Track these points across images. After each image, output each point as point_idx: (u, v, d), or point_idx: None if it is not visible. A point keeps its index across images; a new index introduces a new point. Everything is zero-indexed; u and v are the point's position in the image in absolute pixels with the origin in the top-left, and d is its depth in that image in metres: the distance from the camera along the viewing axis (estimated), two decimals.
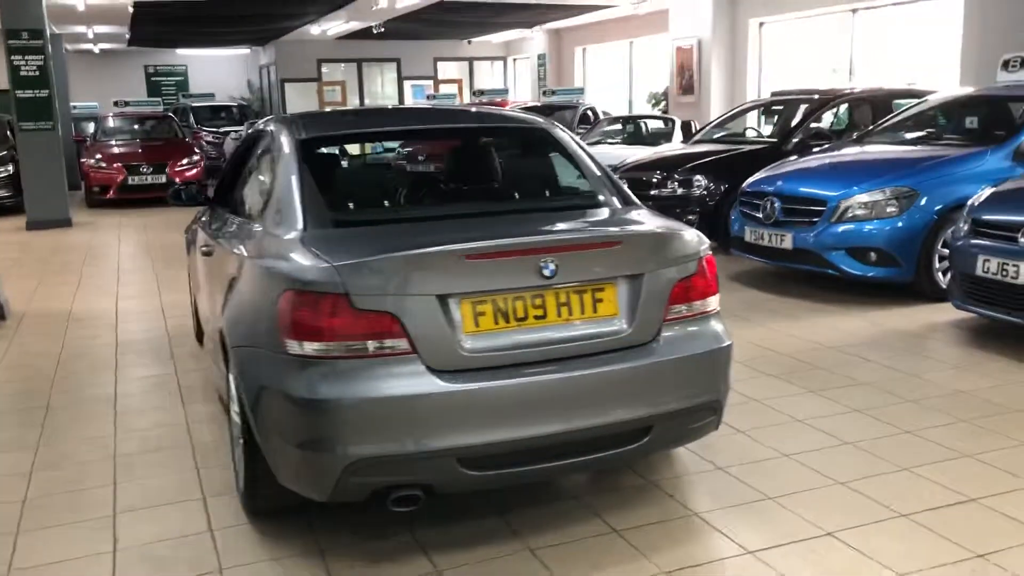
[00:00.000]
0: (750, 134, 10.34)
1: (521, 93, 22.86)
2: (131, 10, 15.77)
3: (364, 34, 21.66)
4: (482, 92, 18.54)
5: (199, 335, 6.01)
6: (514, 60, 25.63)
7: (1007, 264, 5.18)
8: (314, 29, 20.19)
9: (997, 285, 5.25)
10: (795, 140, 9.13)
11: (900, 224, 6.51)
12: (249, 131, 4.76)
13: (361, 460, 2.85)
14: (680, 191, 8.92)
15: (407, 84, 25.15)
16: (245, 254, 3.53)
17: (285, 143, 3.72)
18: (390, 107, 5.93)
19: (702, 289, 3.28)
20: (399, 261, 2.91)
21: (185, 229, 6.22)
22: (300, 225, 3.27)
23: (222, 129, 20.40)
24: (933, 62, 12.83)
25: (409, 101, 24.76)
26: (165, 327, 6.67)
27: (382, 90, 25.46)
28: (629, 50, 19.91)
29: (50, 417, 4.75)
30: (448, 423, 2.86)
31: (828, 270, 6.72)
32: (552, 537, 3.26)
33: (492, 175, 3.99)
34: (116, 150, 15.93)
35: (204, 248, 4.33)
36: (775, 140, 9.45)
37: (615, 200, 3.70)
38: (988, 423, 4.23)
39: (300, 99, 24.09)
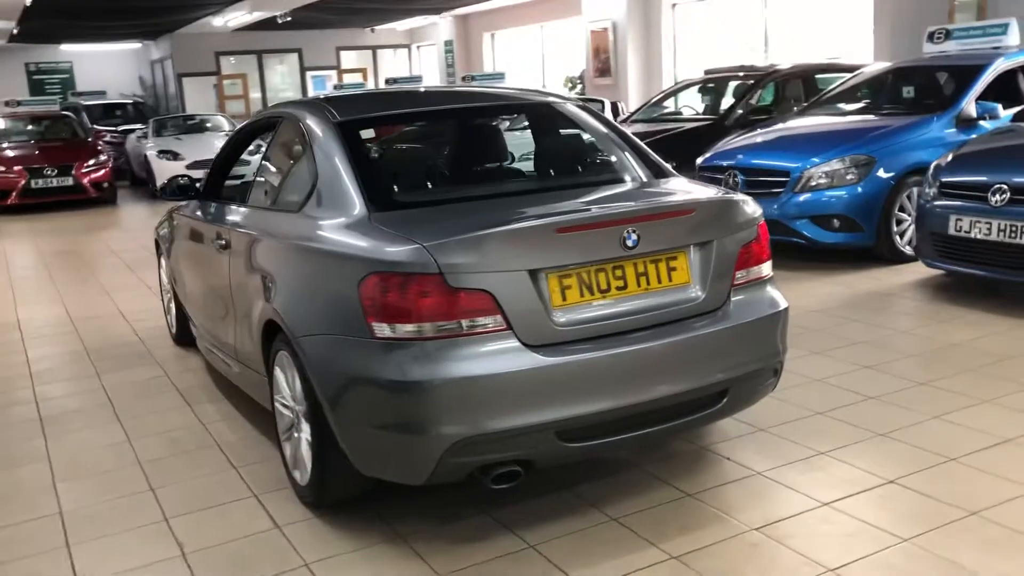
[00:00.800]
0: (687, 112, 10.57)
1: (429, 81, 22.64)
2: (27, 3, 14.91)
3: (264, 25, 21.08)
4: (395, 80, 18.31)
5: (178, 336, 5.80)
6: (418, 47, 25.40)
7: (979, 222, 5.47)
8: (216, 20, 19.51)
9: (970, 243, 5.54)
10: (736, 116, 9.38)
11: (860, 190, 6.79)
12: (250, 120, 4.60)
13: (462, 440, 2.82)
14: None
15: (309, 75, 24.61)
16: (295, 242, 3.42)
17: (319, 127, 3.63)
18: (419, 88, 5.79)
19: (761, 254, 3.37)
20: (493, 238, 2.89)
21: (157, 227, 5.98)
22: (361, 208, 3.20)
23: (120, 128, 19.60)
24: (844, 37, 13.35)
25: (311, 93, 24.25)
26: (133, 331, 6.39)
27: (284, 82, 24.85)
28: (540, 34, 20.00)
29: (48, 427, 4.51)
30: (547, 397, 2.87)
31: (794, 239, 6.95)
32: (630, 505, 3.29)
33: (541, 150, 3.99)
34: (12, 153, 15.07)
35: (219, 242, 4.17)
36: (716, 117, 9.68)
37: (657, 172, 3.75)
38: (992, 371, 4.48)
39: (198, 95, 23.29)
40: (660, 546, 3.01)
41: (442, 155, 3.85)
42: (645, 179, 3.70)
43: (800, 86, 10.06)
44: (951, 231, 5.66)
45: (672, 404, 3.10)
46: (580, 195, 3.44)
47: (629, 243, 2.99)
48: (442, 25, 22.48)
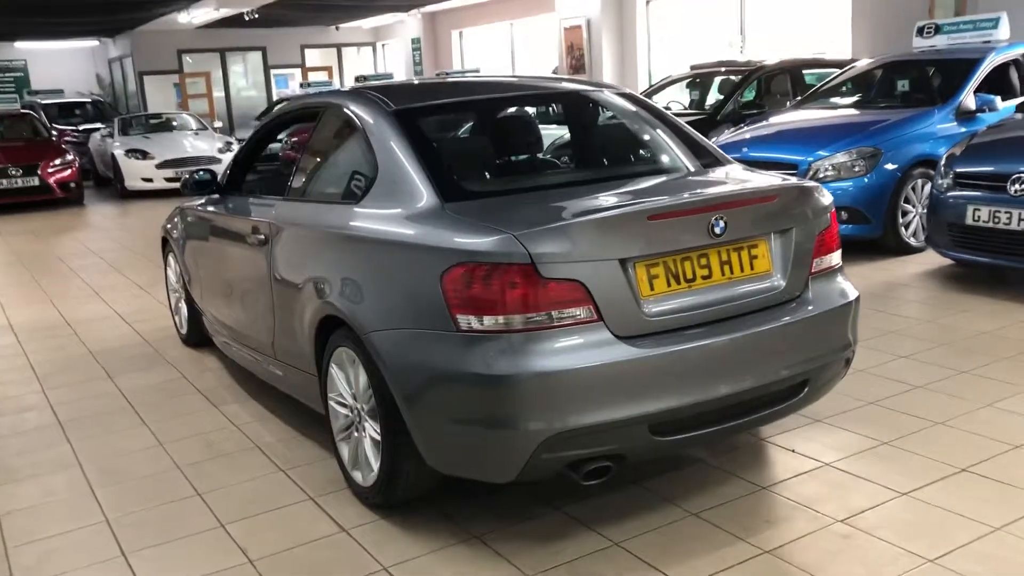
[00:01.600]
0: (674, 107, 10.57)
1: (397, 78, 22.44)
2: None
3: (228, 22, 20.71)
4: (365, 78, 18.10)
5: (189, 337, 5.62)
6: (383, 45, 25.17)
7: (998, 212, 5.52)
8: (181, 17, 19.11)
9: (989, 232, 5.58)
10: (727, 111, 9.40)
11: (867, 182, 6.82)
12: (279, 113, 4.46)
13: (555, 435, 2.73)
14: None
15: (272, 73, 24.23)
16: (358, 235, 3.30)
17: (373, 116, 3.51)
18: (472, 77, 5.70)
19: (832, 243, 3.33)
20: (585, 226, 2.81)
21: (164, 224, 5.78)
22: (432, 198, 3.10)
23: (81, 127, 19.10)
24: (821, 31, 13.48)
25: (274, 92, 23.90)
26: (136, 332, 6.18)
27: (248, 80, 24.44)
28: (510, 31, 19.93)
29: (71, 432, 4.32)
30: (640, 389, 2.79)
31: None
32: (706, 500, 3.23)
33: (599, 139, 3.91)
34: None
35: (256, 236, 4.02)
36: (704, 112, 9.69)
37: (717, 159, 3.69)
38: None
39: (159, 93, 22.80)
40: (749, 540, 2.95)
41: (501, 144, 3.75)
42: (705, 166, 3.64)
43: (787, 81, 10.11)
44: (968, 221, 5.70)
45: (758, 395, 3.04)
46: (651, 182, 3.38)
47: (717, 230, 2.92)
48: (409, 23, 22.30)
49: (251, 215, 4.25)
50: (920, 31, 8.81)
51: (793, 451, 3.60)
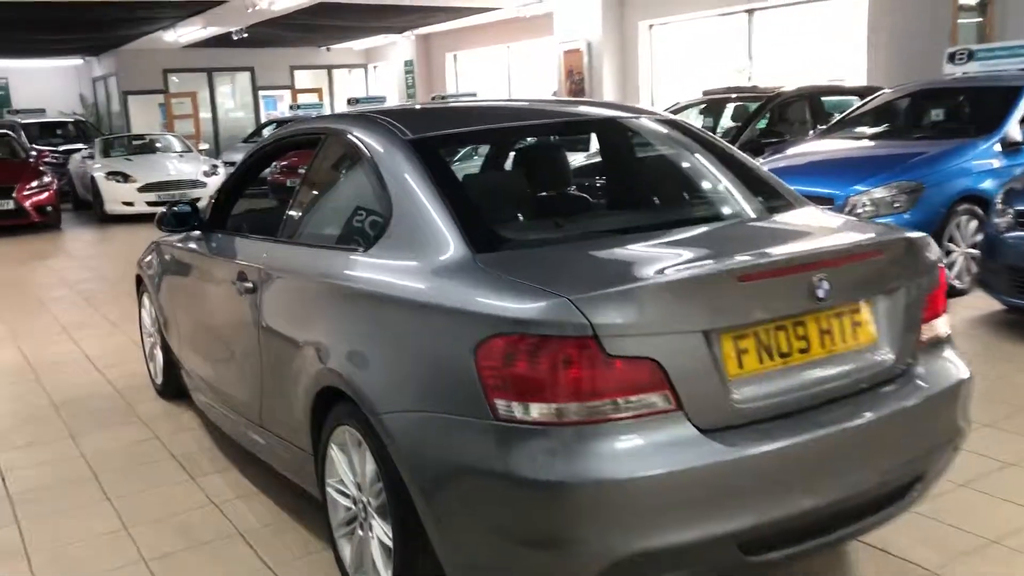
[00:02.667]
0: None
1: (389, 101, 21.91)
2: None
3: (216, 42, 20.18)
4: (357, 100, 17.57)
5: (164, 388, 4.99)
6: (375, 67, 24.67)
7: None
8: (167, 36, 18.56)
9: None
10: (747, 138, 8.88)
11: (908, 219, 6.27)
12: (274, 139, 3.86)
13: (621, 560, 2.13)
14: None
15: (261, 94, 23.68)
16: (368, 290, 2.70)
17: (385, 146, 2.93)
18: (490, 101, 5.10)
19: (942, 306, 2.76)
20: (662, 289, 2.22)
21: (140, 261, 5.17)
22: (460, 248, 2.51)
23: (62, 148, 18.46)
24: (832, 57, 13.03)
25: (263, 113, 23.34)
26: (106, 380, 5.54)
27: (235, 101, 23.87)
28: (507, 54, 19.45)
29: (20, 509, 3.68)
30: (732, 499, 2.20)
31: None
32: None
33: (647, 175, 3.33)
34: None
35: (242, 284, 3.42)
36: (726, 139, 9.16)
37: (787, 199, 3.12)
38: None
39: (144, 114, 22.19)
40: None
41: (536, 181, 3.17)
42: (776, 209, 3.07)
43: (806, 108, 9.63)
44: None
45: (869, 498, 2.45)
46: (722, 230, 2.80)
47: (820, 293, 2.35)
48: (402, 44, 21.82)
49: (237, 257, 3.65)
50: (951, 57, 8.36)
51: (885, 551, 3.01)
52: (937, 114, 7.76)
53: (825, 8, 12.91)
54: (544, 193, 3.19)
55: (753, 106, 9.71)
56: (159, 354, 4.97)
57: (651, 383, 2.16)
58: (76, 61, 24.31)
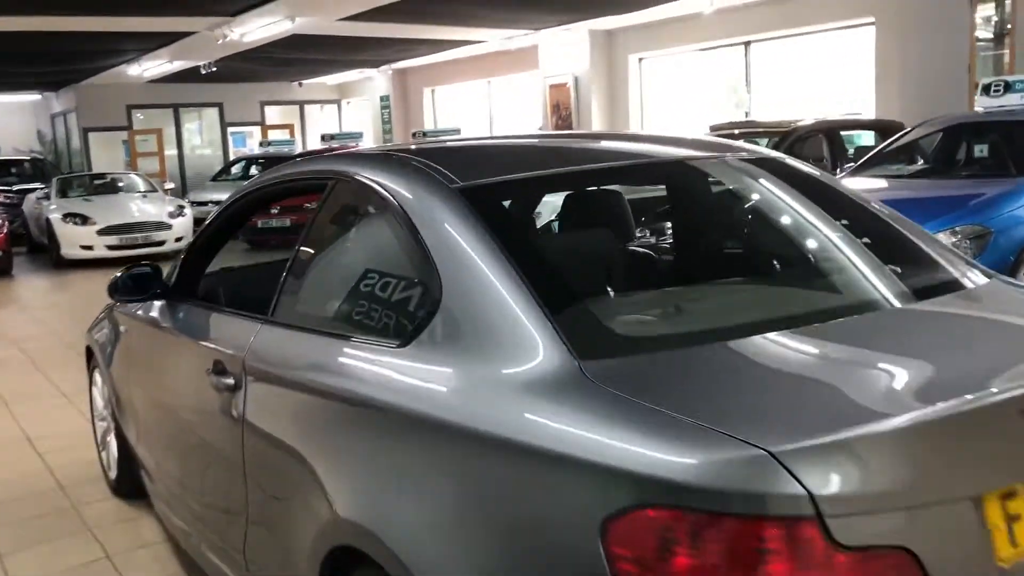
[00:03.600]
0: None
1: (366, 138, 21.11)
2: None
3: (182, 76, 19.29)
4: (332, 136, 16.76)
5: (119, 485, 4.09)
6: (348, 103, 23.88)
7: None
8: (131, 70, 17.63)
9: None
10: None
11: None
12: (260, 180, 2.98)
13: None
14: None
15: (230, 131, 22.76)
16: (409, 410, 1.85)
17: (423, 196, 2.11)
18: (535, 136, 4.14)
19: None
20: (921, 433, 1.41)
21: (90, 330, 4.27)
22: (557, 353, 1.68)
23: (16, 188, 17.43)
24: (832, 91, 12.46)
25: (231, 151, 22.42)
26: (48, 470, 4.61)
27: (203, 138, 22.92)
28: (488, 89, 18.76)
29: None
30: None
31: None
32: None
33: (780, 237, 2.51)
34: None
35: (220, 379, 2.54)
36: None
37: (964, 268, 2.33)
38: None
39: (106, 152, 21.15)
40: None
41: (631, 243, 2.36)
42: (977, 283, 2.25)
43: (823, 143, 8.96)
44: None
45: None
46: (915, 325, 1.98)
47: None
48: (377, 79, 21.07)
49: (213, 340, 2.80)
50: (987, 89, 7.72)
51: None
52: (981, 150, 7.10)
53: (825, 40, 12.35)
54: (644, 261, 2.37)
55: (762, 142, 9.03)
56: (113, 443, 4.08)
57: None
58: (34, 96, 23.24)
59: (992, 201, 5.86)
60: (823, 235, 2.46)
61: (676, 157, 2.52)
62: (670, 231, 2.91)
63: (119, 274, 3.26)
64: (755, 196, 2.57)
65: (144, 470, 3.63)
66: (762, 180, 2.55)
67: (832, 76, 12.46)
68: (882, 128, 9.26)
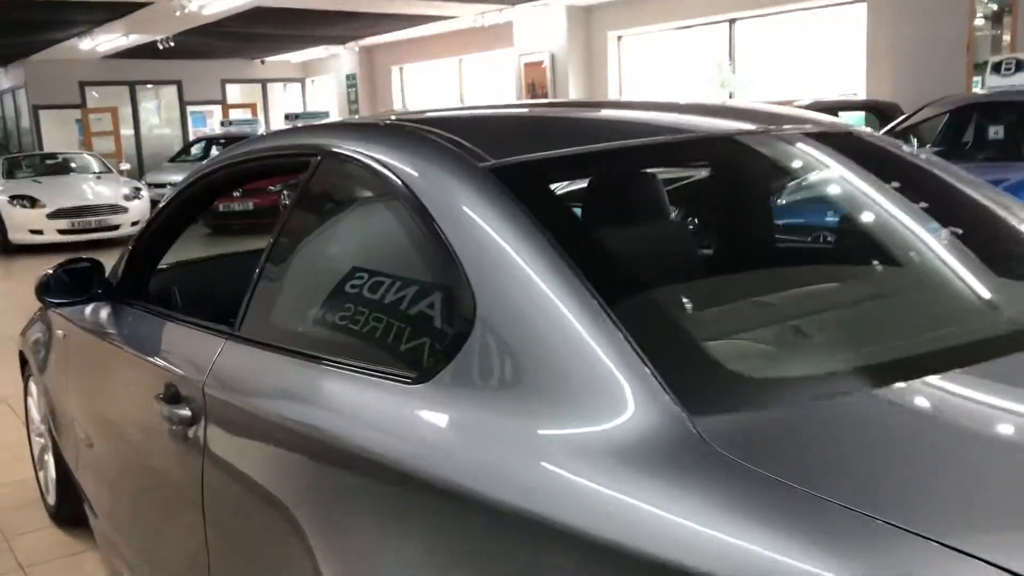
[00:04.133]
0: None
1: (333, 117, 20.41)
2: None
3: (139, 52, 18.44)
4: (297, 116, 16.06)
5: (59, 510, 3.53)
6: (312, 81, 23.10)
7: None
8: (83, 44, 16.75)
9: None
10: None
11: None
12: (227, 157, 2.40)
13: None
14: None
15: (189, 110, 21.90)
16: (427, 476, 1.32)
17: (443, 178, 1.58)
18: (576, 103, 3.48)
19: None
20: None
21: (24, 333, 3.70)
22: (655, 402, 1.17)
23: None
24: (819, 70, 12.05)
25: (191, 131, 21.58)
26: None
27: (161, 117, 22.02)
28: (459, 68, 18.13)
29: None
30: None
31: None
32: None
33: (881, 228, 1.99)
34: None
35: (173, 410, 1.99)
36: None
37: None
38: None
39: (59, 130, 20.22)
40: None
41: (720, 239, 1.85)
42: None
43: None
44: None
45: None
46: None
47: None
48: (343, 57, 20.34)
49: (164, 356, 2.25)
50: (996, 68, 7.34)
51: None
52: (996, 132, 6.71)
53: (815, 17, 11.93)
54: (726, 262, 1.86)
55: None
56: (51, 463, 3.51)
57: None
58: None
59: (1018, 187, 5.45)
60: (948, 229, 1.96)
61: (763, 129, 2.00)
62: (714, 217, 2.40)
63: (50, 270, 2.69)
64: (852, 178, 2.06)
65: (86, 502, 3.08)
66: (854, 158, 2.05)
67: (821, 56, 12.04)
68: (878, 109, 8.86)
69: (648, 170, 1.99)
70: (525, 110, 2.62)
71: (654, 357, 1.20)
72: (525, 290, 1.36)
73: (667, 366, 1.19)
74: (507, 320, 1.37)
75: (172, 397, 2.03)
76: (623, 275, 1.46)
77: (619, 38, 14.22)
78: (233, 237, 11.23)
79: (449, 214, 1.53)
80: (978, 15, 9.78)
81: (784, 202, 2.33)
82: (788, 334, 1.47)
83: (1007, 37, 9.68)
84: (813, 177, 2.08)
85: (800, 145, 1.98)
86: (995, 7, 9.79)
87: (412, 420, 1.43)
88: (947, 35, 9.70)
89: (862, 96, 10.38)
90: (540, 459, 1.21)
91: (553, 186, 1.65)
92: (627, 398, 1.19)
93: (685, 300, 1.52)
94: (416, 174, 1.63)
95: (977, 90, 9.10)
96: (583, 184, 2.03)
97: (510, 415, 1.29)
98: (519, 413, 1.27)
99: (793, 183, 2.23)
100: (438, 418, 1.40)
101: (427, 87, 19.23)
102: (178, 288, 2.79)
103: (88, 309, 2.81)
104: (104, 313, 2.70)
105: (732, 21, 12.55)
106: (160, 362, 2.23)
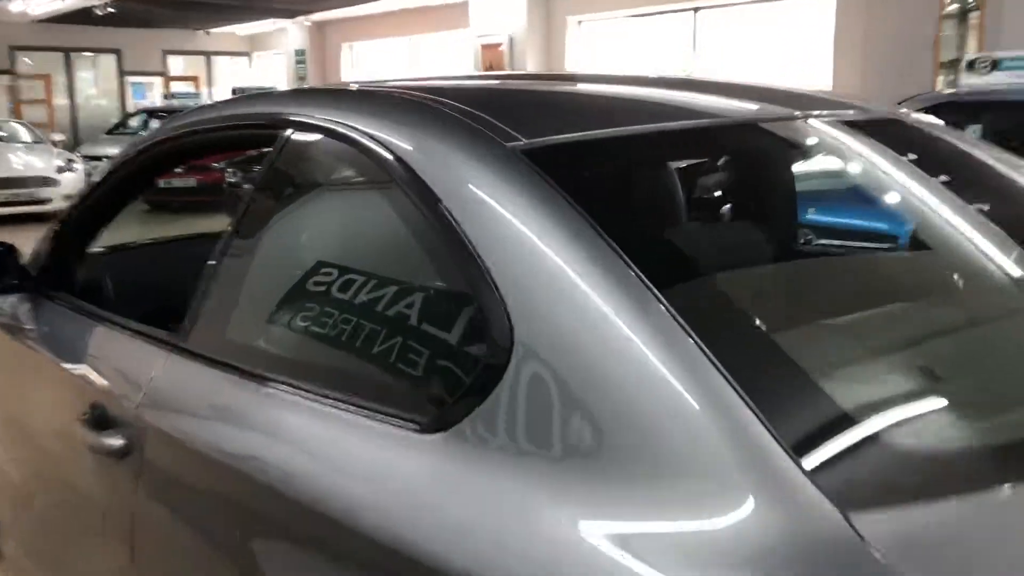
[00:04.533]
0: None
1: None
2: None
3: (75, 18, 17.56)
4: (245, 91, 15.40)
5: None
6: (259, 56, 22.34)
7: None
8: (13, 6, 15.86)
9: None
10: None
11: None
12: (171, 127, 1.99)
13: None
14: None
15: (129, 80, 21.00)
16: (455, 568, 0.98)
17: (465, 159, 1.22)
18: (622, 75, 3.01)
19: None
20: None
21: None
22: (793, 491, 0.83)
23: None
24: (783, 62, 11.89)
25: (130, 102, 20.70)
26: None
27: (98, 87, 21.08)
28: (413, 48, 17.62)
29: None
30: None
31: None
32: None
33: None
34: None
35: (102, 439, 1.60)
36: None
37: None
38: None
39: None
40: None
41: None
42: None
43: None
44: None
45: None
46: None
47: None
48: (292, 32, 19.66)
49: (91, 367, 1.85)
50: (971, 65, 7.19)
51: None
52: (973, 131, 6.53)
53: (780, 8, 11.74)
54: (815, 275, 1.54)
55: None
56: None
57: None
58: None
59: None
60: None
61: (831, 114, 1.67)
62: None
63: None
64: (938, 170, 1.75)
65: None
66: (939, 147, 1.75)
67: (786, 48, 11.87)
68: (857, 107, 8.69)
69: (717, 159, 1.65)
70: (536, 83, 2.25)
71: (782, 426, 0.86)
72: (580, 310, 1.02)
73: (803, 438, 0.86)
74: (550, 357, 1.02)
75: (98, 420, 1.65)
76: (716, 301, 1.12)
77: (580, 23, 13.89)
78: (173, 215, 10.66)
79: (470, 207, 1.17)
80: (947, 6, 9.67)
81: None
82: (929, 384, 1.14)
83: (972, 40, 9.60)
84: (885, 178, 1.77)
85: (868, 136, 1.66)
86: (958, 5, 9.68)
87: (418, 483, 1.08)
88: (915, 32, 9.57)
89: (824, 89, 10.23)
90: (618, 566, 0.86)
91: (601, 172, 1.30)
92: (732, 466, 0.86)
93: (805, 337, 1.17)
94: (423, 155, 1.27)
95: (940, 88, 9.01)
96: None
97: (569, 494, 0.94)
98: (585, 493, 0.92)
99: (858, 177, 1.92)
100: (457, 485, 1.04)
101: (379, 65, 18.69)
102: (110, 279, 2.38)
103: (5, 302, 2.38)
104: (19, 308, 2.27)
105: (696, 10, 12.30)
106: (85, 374, 1.83)
